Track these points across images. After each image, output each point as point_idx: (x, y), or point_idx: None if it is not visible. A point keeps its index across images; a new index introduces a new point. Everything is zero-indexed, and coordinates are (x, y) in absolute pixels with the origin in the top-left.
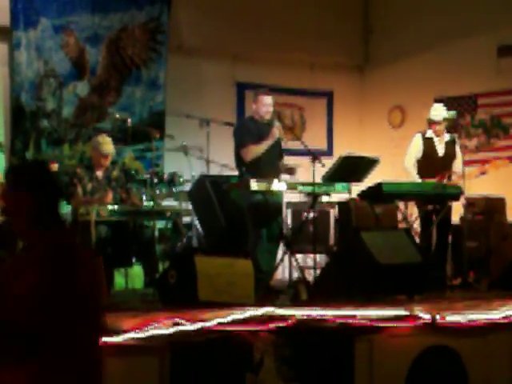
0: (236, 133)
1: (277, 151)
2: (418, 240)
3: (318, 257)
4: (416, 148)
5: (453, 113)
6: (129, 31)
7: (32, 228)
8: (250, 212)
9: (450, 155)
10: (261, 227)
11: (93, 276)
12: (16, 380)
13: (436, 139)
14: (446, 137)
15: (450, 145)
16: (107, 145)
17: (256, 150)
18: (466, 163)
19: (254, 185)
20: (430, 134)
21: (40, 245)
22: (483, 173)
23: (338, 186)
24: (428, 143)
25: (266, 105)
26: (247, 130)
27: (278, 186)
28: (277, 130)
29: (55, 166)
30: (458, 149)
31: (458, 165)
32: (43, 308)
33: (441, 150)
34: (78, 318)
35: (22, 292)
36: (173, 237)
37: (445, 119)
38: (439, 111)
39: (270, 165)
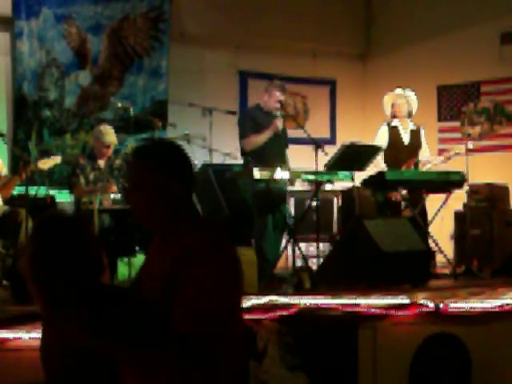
0: (239, 122)
1: (282, 140)
2: None
3: (322, 245)
4: (382, 137)
5: (411, 92)
6: (130, 20)
7: (177, 216)
8: (255, 200)
9: (415, 144)
10: (266, 214)
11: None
12: None
13: (401, 128)
14: (411, 125)
15: (415, 133)
16: (109, 135)
17: (256, 141)
18: (469, 151)
19: (257, 173)
20: (395, 122)
21: (192, 235)
22: (449, 158)
23: (341, 174)
24: (393, 132)
25: (277, 101)
26: (250, 119)
27: (280, 174)
28: (279, 122)
29: (58, 158)
30: (423, 138)
31: (424, 153)
32: (219, 309)
33: (406, 139)
34: (240, 312)
35: (195, 294)
36: None
37: (405, 98)
38: (397, 92)
39: (274, 154)
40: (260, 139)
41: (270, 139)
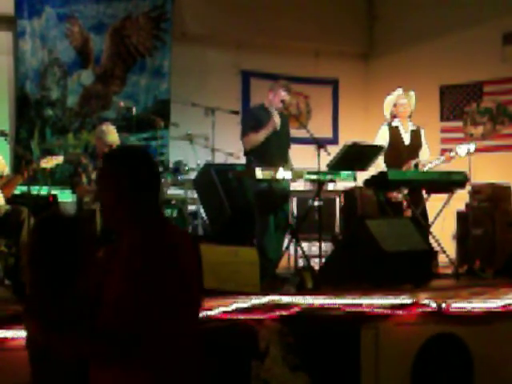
0: (241, 121)
1: (284, 140)
2: None
3: (324, 245)
4: (383, 137)
5: (412, 93)
6: (133, 20)
7: (131, 217)
8: (256, 200)
9: (415, 144)
10: (268, 215)
11: (195, 262)
12: (124, 380)
13: (402, 128)
14: (411, 126)
15: (416, 134)
16: (111, 134)
17: (255, 139)
18: (471, 154)
19: (260, 173)
20: (395, 123)
21: (136, 234)
22: (449, 159)
23: (344, 173)
24: (394, 132)
25: (282, 101)
26: (253, 118)
27: (283, 174)
28: (277, 119)
29: (60, 157)
30: (423, 138)
31: (424, 154)
32: (146, 304)
33: (407, 139)
34: (183, 310)
35: (124, 290)
36: (178, 225)
37: (408, 98)
38: (399, 92)
39: (277, 154)
40: (258, 137)
41: (273, 139)
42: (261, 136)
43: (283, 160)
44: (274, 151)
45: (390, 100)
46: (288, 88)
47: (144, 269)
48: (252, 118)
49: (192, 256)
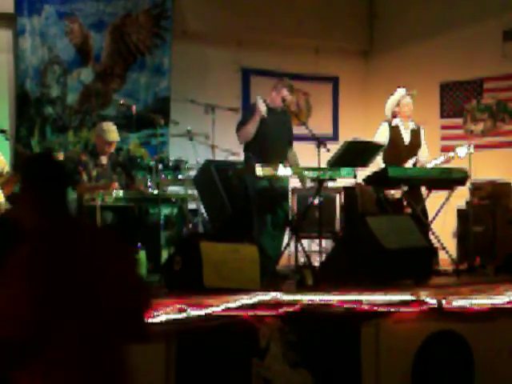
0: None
1: (285, 137)
2: None
3: (324, 242)
4: (383, 135)
5: (415, 92)
6: (133, 17)
7: (34, 217)
8: (255, 198)
9: (415, 143)
10: (266, 213)
11: (110, 264)
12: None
13: (402, 127)
14: (411, 125)
15: (416, 133)
16: (112, 132)
17: (245, 131)
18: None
19: (259, 170)
20: (395, 122)
21: (35, 234)
22: (448, 161)
23: (344, 171)
24: (394, 131)
25: (283, 99)
26: (247, 114)
27: (283, 171)
28: (262, 106)
29: (60, 155)
30: (423, 137)
31: (423, 153)
32: (36, 305)
33: (407, 139)
34: (82, 311)
35: (14, 291)
36: (178, 223)
37: (411, 96)
38: (403, 92)
39: (274, 150)
40: (248, 128)
41: (271, 135)
42: (250, 127)
43: (281, 157)
44: (270, 147)
45: (393, 99)
46: (291, 88)
47: (29, 271)
48: (246, 114)
49: (101, 257)
